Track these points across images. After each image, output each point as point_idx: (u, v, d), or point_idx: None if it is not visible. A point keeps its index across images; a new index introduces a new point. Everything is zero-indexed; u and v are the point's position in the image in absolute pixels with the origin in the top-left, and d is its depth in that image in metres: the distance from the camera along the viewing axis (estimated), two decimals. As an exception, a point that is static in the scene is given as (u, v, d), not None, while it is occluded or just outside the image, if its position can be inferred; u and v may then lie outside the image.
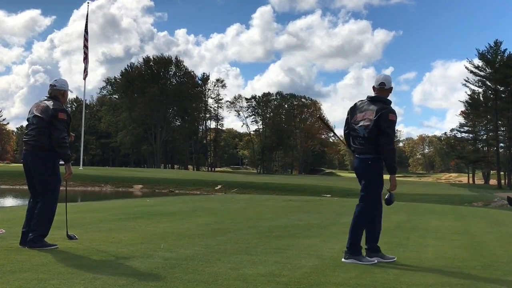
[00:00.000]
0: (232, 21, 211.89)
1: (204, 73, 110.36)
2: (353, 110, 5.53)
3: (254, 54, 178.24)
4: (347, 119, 5.61)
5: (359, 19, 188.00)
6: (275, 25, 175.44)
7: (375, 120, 5.18)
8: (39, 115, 5.60)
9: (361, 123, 5.32)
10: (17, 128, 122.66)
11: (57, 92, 5.75)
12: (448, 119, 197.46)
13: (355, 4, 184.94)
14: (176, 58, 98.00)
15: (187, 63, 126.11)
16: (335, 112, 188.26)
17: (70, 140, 6.11)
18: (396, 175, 5.29)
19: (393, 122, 5.21)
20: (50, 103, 5.63)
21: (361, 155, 5.32)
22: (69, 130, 5.79)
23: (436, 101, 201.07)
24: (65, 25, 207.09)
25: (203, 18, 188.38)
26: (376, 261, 5.26)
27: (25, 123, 6.36)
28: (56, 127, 5.51)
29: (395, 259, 5.42)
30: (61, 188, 5.85)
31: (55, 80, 5.87)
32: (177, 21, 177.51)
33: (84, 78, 42.08)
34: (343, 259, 5.25)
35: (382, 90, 5.43)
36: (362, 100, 5.55)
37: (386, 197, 5.31)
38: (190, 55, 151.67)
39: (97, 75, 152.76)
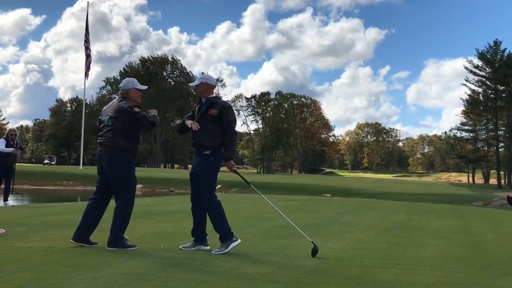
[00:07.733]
0: (222, 19, 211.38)
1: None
2: None
3: (245, 53, 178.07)
4: None
5: (351, 18, 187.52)
6: (267, 23, 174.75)
7: None
8: (114, 115, 5.69)
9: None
10: (17, 128, 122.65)
11: (124, 92, 5.88)
12: (444, 118, 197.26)
13: (342, 2, 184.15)
14: (172, 57, 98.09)
15: (182, 62, 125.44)
16: (330, 111, 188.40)
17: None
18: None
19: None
20: (122, 103, 5.75)
21: None
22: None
23: (431, 100, 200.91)
24: (54, 24, 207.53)
25: (195, 16, 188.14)
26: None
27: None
28: (139, 121, 5.67)
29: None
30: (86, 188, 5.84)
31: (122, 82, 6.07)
32: (170, 19, 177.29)
33: (86, 76, 42.03)
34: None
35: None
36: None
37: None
38: (183, 54, 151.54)
39: (91, 74, 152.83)
